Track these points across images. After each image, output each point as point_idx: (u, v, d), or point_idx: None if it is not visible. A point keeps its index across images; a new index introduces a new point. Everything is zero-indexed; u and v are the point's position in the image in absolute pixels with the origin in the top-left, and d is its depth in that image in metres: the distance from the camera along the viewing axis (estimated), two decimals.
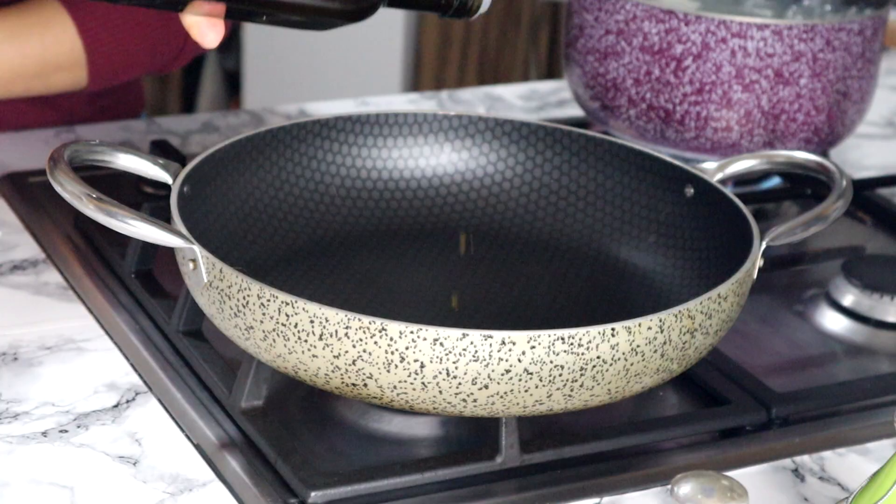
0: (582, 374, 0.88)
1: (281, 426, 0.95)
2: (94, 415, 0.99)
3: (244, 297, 0.90)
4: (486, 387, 0.87)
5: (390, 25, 2.97)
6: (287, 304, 0.87)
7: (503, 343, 0.86)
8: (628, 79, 1.36)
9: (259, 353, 0.92)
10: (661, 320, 0.89)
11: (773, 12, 1.44)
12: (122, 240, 1.15)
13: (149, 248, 1.12)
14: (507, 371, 0.86)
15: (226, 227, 1.06)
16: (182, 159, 1.18)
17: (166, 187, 1.02)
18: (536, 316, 1.05)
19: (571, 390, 0.88)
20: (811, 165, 1.09)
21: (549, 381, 0.87)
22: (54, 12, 1.37)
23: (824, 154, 1.42)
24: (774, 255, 1.27)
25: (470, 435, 0.99)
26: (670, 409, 1.05)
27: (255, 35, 3.04)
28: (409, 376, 0.87)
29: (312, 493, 0.89)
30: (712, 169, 1.10)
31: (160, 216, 0.97)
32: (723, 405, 1.03)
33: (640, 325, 0.88)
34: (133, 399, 1.01)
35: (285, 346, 0.89)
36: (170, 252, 0.97)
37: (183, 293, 1.05)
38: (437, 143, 1.17)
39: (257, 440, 0.94)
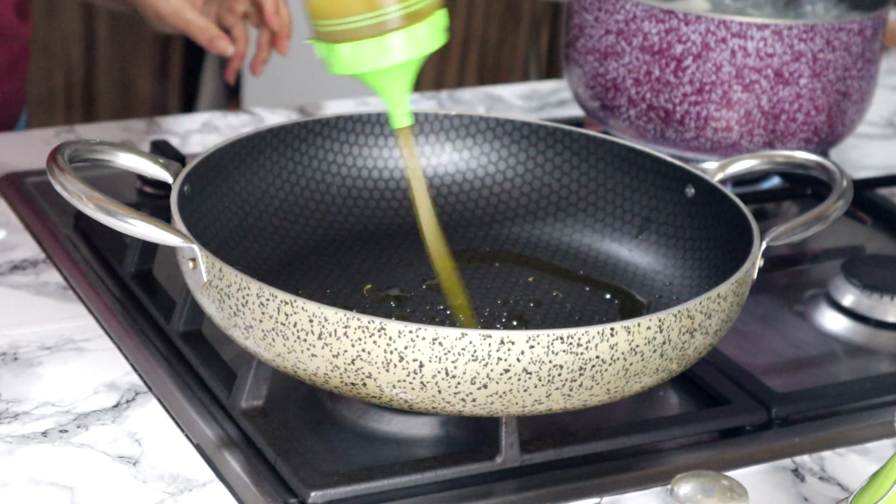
0: (581, 374, 0.88)
1: (281, 426, 0.95)
2: (94, 415, 0.99)
3: (243, 297, 0.90)
4: (486, 386, 0.87)
5: None
6: (286, 303, 0.87)
7: (502, 343, 0.86)
8: (628, 79, 1.36)
9: (258, 352, 0.92)
10: (660, 320, 0.89)
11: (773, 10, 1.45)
12: (123, 240, 1.15)
13: (149, 248, 1.12)
14: (507, 371, 0.86)
15: (226, 226, 1.06)
16: (182, 159, 1.18)
17: (166, 187, 1.02)
18: (536, 315, 1.05)
19: (570, 390, 0.88)
20: (811, 165, 1.09)
21: (549, 380, 0.87)
22: None
23: (824, 154, 1.42)
24: (774, 255, 1.27)
25: (470, 435, 0.99)
26: (670, 409, 1.05)
27: (255, 35, 3.03)
28: (408, 376, 0.87)
29: (312, 493, 0.89)
30: (712, 169, 1.10)
31: (160, 216, 0.97)
32: (723, 405, 1.03)
33: (639, 324, 0.88)
34: (133, 399, 1.01)
35: (284, 345, 0.89)
36: (170, 252, 0.97)
37: (183, 293, 1.05)
38: (438, 143, 1.17)
39: (257, 440, 0.94)
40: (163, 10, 1.39)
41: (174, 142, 1.44)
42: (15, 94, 1.53)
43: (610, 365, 0.88)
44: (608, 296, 1.09)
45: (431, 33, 0.92)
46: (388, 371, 0.87)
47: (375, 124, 1.16)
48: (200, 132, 1.48)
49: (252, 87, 3.06)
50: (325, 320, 0.87)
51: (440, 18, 0.93)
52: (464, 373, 0.86)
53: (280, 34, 1.44)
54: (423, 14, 0.91)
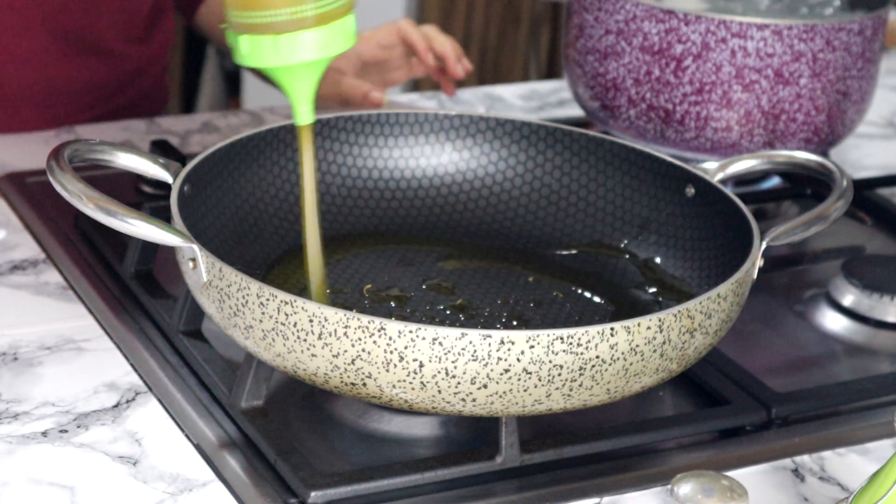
0: (581, 374, 0.88)
1: (281, 426, 0.95)
2: (94, 415, 0.99)
3: (243, 297, 0.90)
4: (486, 386, 0.87)
5: None
6: (286, 303, 0.87)
7: (502, 342, 0.85)
8: (628, 79, 1.36)
9: (258, 352, 0.92)
10: (660, 320, 0.89)
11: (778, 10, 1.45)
12: (122, 240, 1.15)
13: (149, 248, 1.12)
14: (507, 371, 0.86)
15: (226, 226, 1.06)
16: (182, 159, 1.18)
17: (166, 187, 1.02)
18: (536, 315, 1.06)
19: (570, 390, 0.88)
20: (811, 165, 1.09)
21: (549, 380, 0.87)
22: None
23: (824, 154, 1.42)
24: (774, 255, 1.27)
25: (470, 435, 0.99)
26: (670, 409, 1.05)
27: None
28: (408, 375, 0.87)
29: (312, 493, 0.89)
30: (712, 169, 1.10)
31: (160, 216, 0.97)
32: (723, 405, 1.03)
33: (639, 324, 0.88)
34: (133, 399, 1.01)
35: (284, 345, 0.89)
36: (170, 252, 0.97)
37: (183, 293, 1.05)
38: (438, 143, 1.17)
39: (257, 440, 0.94)
40: (321, 90, 1.50)
41: (174, 142, 1.44)
42: (148, 95, 1.61)
43: (610, 365, 0.88)
44: (608, 295, 1.09)
45: (334, 37, 0.92)
46: (388, 371, 0.87)
47: (375, 124, 1.16)
48: (200, 132, 1.48)
49: (252, 87, 3.06)
50: (325, 320, 0.87)
51: (348, 23, 0.93)
52: (464, 373, 0.86)
53: (446, 63, 1.52)
54: (327, 17, 0.92)
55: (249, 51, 0.91)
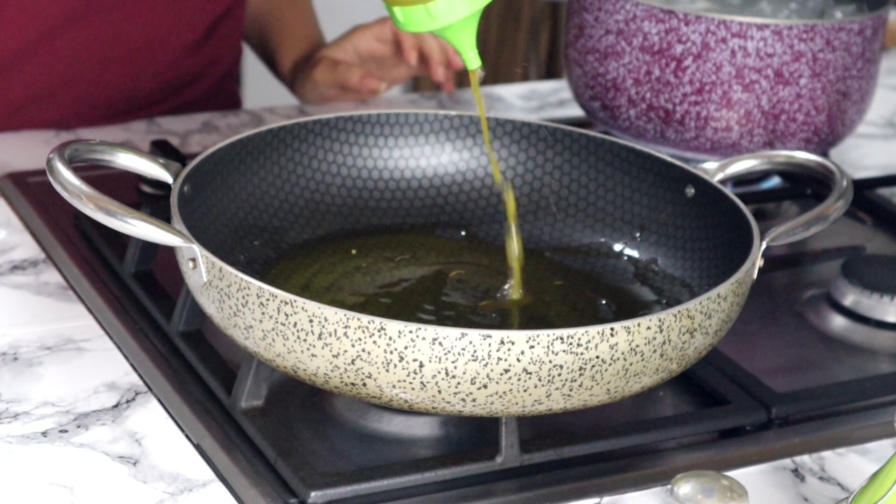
0: (581, 374, 0.88)
1: (281, 426, 0.95)
2: (94, 415, 0.99)
3: (243, 297, 0.90)
4: (485, 386, 0.87)
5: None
6: (286, 303, 0.87)
7: (502, 343, 0.86)
8: (628, 79, 1.36)
9: (258, 352, 0.92)
10: (660, 320, 0.89)
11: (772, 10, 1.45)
12: (122, 240, 1.15)
13: (149, 248, 1.12)
14: (506, 371, 0.86)
15: (226, 226, 1.06)
16: (182, 159, 1.18)
17: (166, 187, 1.02)
18: (536, 315, 1.06)
19: (570, 390, 0.88)
20: (811, 165, 1.09)
21: (549, 380, 0.87)
22: None
23: (824, 154, 1.42)
24: (774, 255, 1.27)
25: (470, 435, 0.99)
26: (670, 409, 1.05)
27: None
28: (408, 375, 0.87)
29: (312, 493, 0.89)
30: (712, 169, 1.10)
31: (160, 216, 0.97)
32: (723, 405, 1.03)
33: (639, 325, 0.88)
34: (133, 399, 1.01)
35: (284, 345, 0.89)
36: (170, 252, 0.98)
37: (183, 293, 1.05)
38: (438, 143, 1.17)
39: (257, 440, 0.94)
40: (318, 76, 1.55)
41: (174, 142, 1.44)
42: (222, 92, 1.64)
43: (610, 365, 0.88)
44: (608, 295, 1.09)
45: None
46: (388, 371, 0.87)
47: (375, 124, 1.16)
48: (200, 132, 1.48)
49: (252, 87, 3.06)
50: (325, 320, 0.87)
51: None
52: (464, 373, 0.86)
53: (429, 64, 1.54)
54: None
55: (405, 19, 0.99)
